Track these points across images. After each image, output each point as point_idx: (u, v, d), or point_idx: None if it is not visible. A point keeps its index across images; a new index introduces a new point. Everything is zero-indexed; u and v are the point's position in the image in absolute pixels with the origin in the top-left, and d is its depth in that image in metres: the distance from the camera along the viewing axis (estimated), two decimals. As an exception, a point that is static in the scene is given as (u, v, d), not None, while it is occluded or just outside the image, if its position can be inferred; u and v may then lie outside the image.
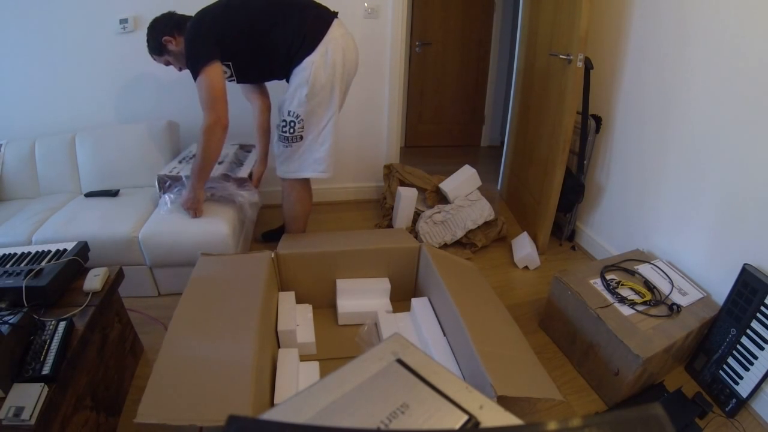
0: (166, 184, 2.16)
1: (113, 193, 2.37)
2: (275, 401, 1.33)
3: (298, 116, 1.93)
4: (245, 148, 2.60)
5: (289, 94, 1.92)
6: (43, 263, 1.56)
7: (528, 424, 0.54)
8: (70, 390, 1.25)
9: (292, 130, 1.96)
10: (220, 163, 2.31)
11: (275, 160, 2.12)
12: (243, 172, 2.24)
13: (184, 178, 2.13)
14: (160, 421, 1.03)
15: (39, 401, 1.09)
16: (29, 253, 1.67)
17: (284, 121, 1.96)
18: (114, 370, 1.58)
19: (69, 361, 1.25)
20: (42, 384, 1.13)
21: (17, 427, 1.05)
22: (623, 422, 0.49)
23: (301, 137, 1.98)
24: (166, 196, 2.14)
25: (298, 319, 1.67)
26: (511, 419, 0.66)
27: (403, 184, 2.79)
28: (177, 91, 2.70)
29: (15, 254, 1.67)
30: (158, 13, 2.20)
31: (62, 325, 1.32)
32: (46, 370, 1.17)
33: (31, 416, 1.06)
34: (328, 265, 1.85)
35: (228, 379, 1.17)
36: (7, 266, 1.57)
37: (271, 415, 0.65)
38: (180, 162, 2.31)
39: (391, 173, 2.91)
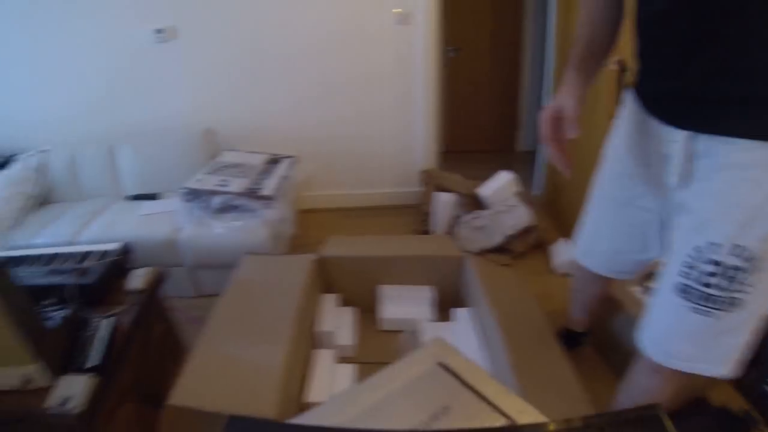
0: (189, 196, 2.19)
1: (153, 197, 2.44)
2: (308, 400, 1.34)
3: (752, 256, 0.91)
4: (275, 160, 2.61)
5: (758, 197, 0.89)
6: (89, 263, 1.61)
7: (528, 425, 0.54)
8: (115, 383, 1.29)
9: (729, 282, 0.94)
10: (245, 177, 2.32)
11: (648, 326, 1.16)
12: (268, 189, 2.23)
13: (206, 191, 2.15)
14: (191, 405, 1.10)
15: (86, 392, 1.13)
16: (75, 252, 1.73)
17: (716, 261, 0.94)
18: (157, 365, 1.61)
19: (114, 356, 1.29)
20: (88, 375, 1.17)
21: (65, 416, 1.09)
22: (623, 422, 0.49)
23: (739, 301, 0.95)
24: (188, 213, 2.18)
25: (338, 322, 1.68)
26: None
27: (440, 189, 2.78)
28: (215, 99, 2.77)
29: (62, 254, 1.73)
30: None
31: (107, 321, 1.36)
32: (91, 363, 1.21)
33: (78, 406, 1.10)
34: (372, 270, 1.84)
35: (258, 375, 1.20)
36: (55, 265, 1.63)
37: (313, 415, 0.66)
38: (208, 173, 2.34)
39: (428, 178, 2.91)
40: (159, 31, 2.59)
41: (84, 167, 2.65)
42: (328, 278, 1.84)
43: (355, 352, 1.65)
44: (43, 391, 1.14)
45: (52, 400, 1.10)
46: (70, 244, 2.09)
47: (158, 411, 1.55)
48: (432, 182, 2.86)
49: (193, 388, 1.19)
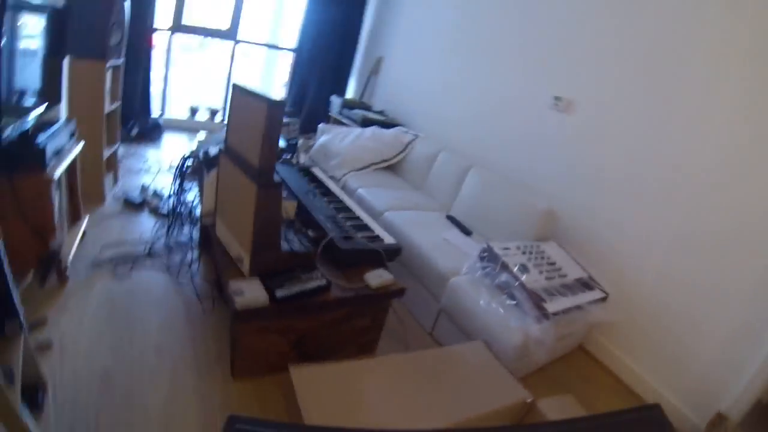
0: (485, 254, 2.15)
1: (467, 231, 2.57)
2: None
3: None
4: (587, 285, 2.25)
5: None
6: (362, 235, 1.87)
7: (528, 425, 0.71)
8: (282, 320, 1.54)
9: None
10: (547, 278, 2.10)
11: None
12: (554, 307, 1.95)
13: (502, 263, 2.06)
14: (297, 386, 1.25)
15: (253, 302, 1.42)
16: (361, 221, 2.02)
17: None
18: (334, 341, 1.77)
19: (300, 305, 1.52)
20: (268, 297, 1.44)
21: (228, 301, 1.40)
22: (623, 422, 0.51)
23: None
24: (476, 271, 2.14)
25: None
26: None
27: (725, 446, 1.94)
28: (570, 189, 2.64)
29: (353, 213, 2.06)
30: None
31: (322, 281, 1.57)
32: (278, 294, 1.47)
33: (240, 304, 1.38)
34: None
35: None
36: (339, 216, 1.97)
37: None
38: (518, 248, 2.23)
39: (718, 423, 2.03)
40: (557, 98, 2.70)
41: (438, 166, 3.07)
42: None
43: None
44: (237, 275, 1.49)
45: (234, 285, 1.42)
46: (373, 214, 2.39)
47: (296, 363, 1.74)
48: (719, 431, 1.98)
49: (316, 378, 1.30)
